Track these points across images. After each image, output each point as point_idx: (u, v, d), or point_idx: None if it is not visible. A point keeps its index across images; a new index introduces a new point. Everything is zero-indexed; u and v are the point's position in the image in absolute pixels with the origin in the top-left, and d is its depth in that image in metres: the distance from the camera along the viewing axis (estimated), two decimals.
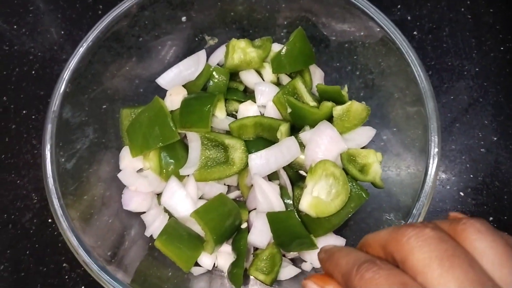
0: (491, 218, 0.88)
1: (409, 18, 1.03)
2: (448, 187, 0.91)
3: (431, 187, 0.64)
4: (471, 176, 0.91)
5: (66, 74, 0.75)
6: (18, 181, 0.95)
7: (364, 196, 0.71)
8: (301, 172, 0.81)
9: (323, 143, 0.75)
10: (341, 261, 0.41)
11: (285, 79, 0.88)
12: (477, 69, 0.98)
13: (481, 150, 0.93)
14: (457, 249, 0.35)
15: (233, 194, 0.83)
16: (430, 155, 0.66)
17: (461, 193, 0.90)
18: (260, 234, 0.75)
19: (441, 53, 1.00)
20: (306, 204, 0.69)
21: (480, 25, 1.02)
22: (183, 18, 0.88)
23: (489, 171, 0.91)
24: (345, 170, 0.74)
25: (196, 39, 0.92)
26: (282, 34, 0.93)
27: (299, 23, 0.89)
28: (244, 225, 0.78)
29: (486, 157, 0.92)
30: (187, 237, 0.75)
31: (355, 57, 0.87)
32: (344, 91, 0.81)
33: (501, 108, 0.95)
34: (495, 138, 0.93)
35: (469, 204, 0.89)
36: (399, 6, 1.04)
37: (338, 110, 0.78)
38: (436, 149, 0.66)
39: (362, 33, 0.83)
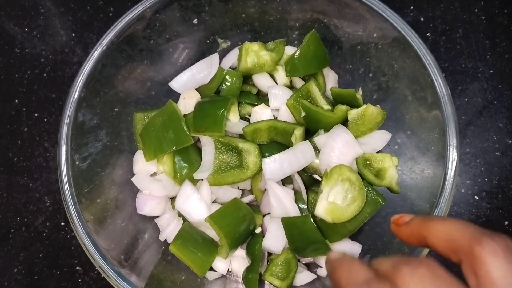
0: (506, 223, 0.87)
1: (422, 19, 1.02)
2: (462, 190, 0.90)
3: (450, 193, 0.63)
4: (486, 179, 0.90)
5: (81, 78, 0.74)
6: (31, 184, 0.95)
7: (380, 201, 0.70)
8: (315, 176, 0.81)
9: (338, 147, 0.75)
10: (342, 278, 0.40)
11: (298, 82, 0.88)
12: (491, 71, 0.97)
13: (496, 153, 0.92)
14: None
15: (246, 199, 0.82)
16: (449, 160, 0.65)
17: (476, 197, 0.89)
18: (275, 239, 0.74)
19: (455, 55, 0.99)
20: (322, 209, 0.68)
21: (494, 26, 1.01)
22: (195, 21, 0.87)
23: (504, 174, 0.90)
24: (360, 174, 0.74)
25: (208, 41, 0.92)
26: (294, 36, 0.92)
27: (311, 25, 0.88)
28: (258, 230, 0.78)
29: (501, 160, 0.91)
30: (202, 241, 0.75)
31: (368, 59, 0.87)
32: (359, 94, 0.80)
33: None
34: (510, 141, 0.92)
35: (484, 208, 0.89)
36: (411, 8, 1.03)
37: (353, 113, 0.77)
38: (455, 154, 0.65)
39: (375, 35, 0.83)
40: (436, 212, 0.63)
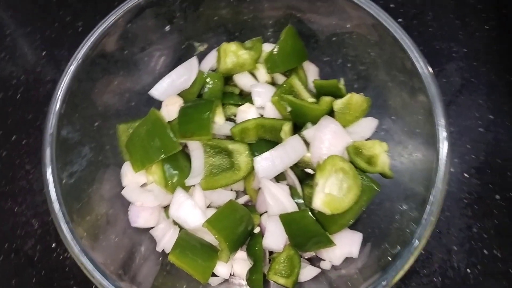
0: (497, 197, 0.88)
1: (392, 5, 1.04)
2: (452, 169, 0.91)
3: (445, 172, 0.63)
4: (473, 156, 0.91)
5: (59, 95, 0.72)
6: (16, 209, 0.92)
7: (376, 187, 0.70)
8: (308, 170, 0.80)
9: (327, 139, 0.74)
10: None
11: (280, 78, 0.87)
12: (465, 50, 0.99)
13: (480, 129, 0.93)
14: None
15: (242, 200, 0.81)
16: (440, 140, 0.65)
17: (466, 175, 0.90)
18: (274, 238, 0.74)
19: (428, 37, 1.01)
20: (320, 202, 0.68)
21: (462, 6, 1.03)
22: (167, 28, 0.86)
23: (490, 149, 0.91)
24: (352, 163, 0.74)
25: (182, 47, 0.91)
26: (269, 33, 0.92)
27: (284, 21, 0.88)
28: (257, 230, 0.77)
29: (485, 136, 0.93)
30: (201, 247, 0.74)
31: (344, 49, 0.87)
32: (341, 84, 0.81)
33: (494, 86, 0.96)
34: (491, 117, 0.94)
35: (474, 185, 0.89)
36: None
37: (338, 103, 0.77)
38: (445, 133, 0.65)
39: (348, 25, 0.83)
40: (433, 193, 0.63)
